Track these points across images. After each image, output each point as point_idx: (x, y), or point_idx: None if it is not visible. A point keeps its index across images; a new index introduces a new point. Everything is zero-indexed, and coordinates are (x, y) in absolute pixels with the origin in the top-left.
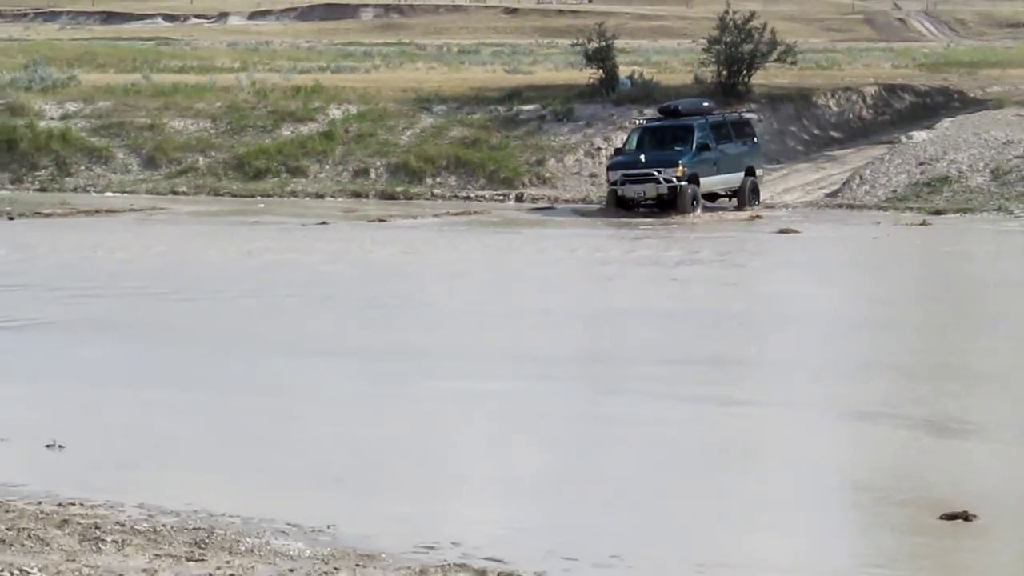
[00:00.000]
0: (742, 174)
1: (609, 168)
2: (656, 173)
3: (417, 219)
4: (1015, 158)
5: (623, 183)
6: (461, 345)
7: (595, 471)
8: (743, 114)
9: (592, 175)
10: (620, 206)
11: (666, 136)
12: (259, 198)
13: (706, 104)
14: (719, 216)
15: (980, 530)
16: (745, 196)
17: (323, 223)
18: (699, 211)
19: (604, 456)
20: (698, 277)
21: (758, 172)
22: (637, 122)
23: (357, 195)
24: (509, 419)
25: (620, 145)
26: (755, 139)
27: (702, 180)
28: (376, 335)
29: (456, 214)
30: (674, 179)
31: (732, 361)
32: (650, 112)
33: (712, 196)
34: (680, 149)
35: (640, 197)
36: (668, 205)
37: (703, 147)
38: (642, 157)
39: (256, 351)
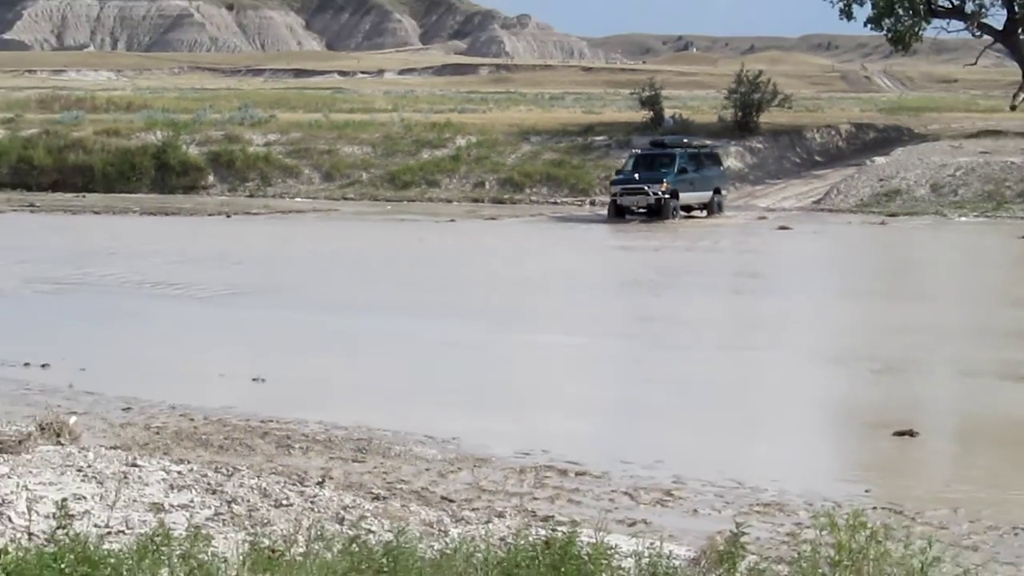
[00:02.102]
0: (711, 192)
1: (611, 183)
2: (647, 188)
3: (519, 217)
4: (947, 176)
5: (621, 195)
6: (549, 308)
7: (645, 401)
8: (713, 148)
9: None
10: (618, 213)
11: (655, 161)
12: (406, 203)
13: (685, 139)
14: (738, 217)
15: (921, 443)
16: (713, 208)
17: (451, 220)
18: (677, 218)
19: (651, 390)
20: (724, 258)
21: (723, 192)
22: (633, 151)
23: (475, 201)
24: (579, 361)
25: (620, 167)
26: (722, 167)
27: (681, 195)
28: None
29: (550, 214)
30: (660, 193)
31: (741, 317)
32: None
33: (688, 208)
34: (665, 171)
35: (634, 206)
36: (655, 213)
37: (683, 170)
38: (636, 176)
39: (400, 312)
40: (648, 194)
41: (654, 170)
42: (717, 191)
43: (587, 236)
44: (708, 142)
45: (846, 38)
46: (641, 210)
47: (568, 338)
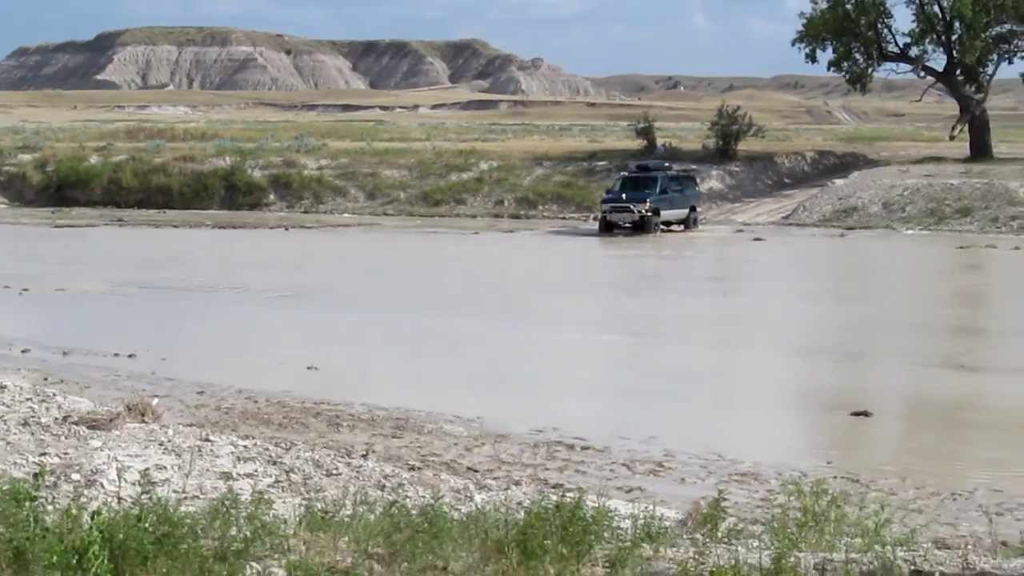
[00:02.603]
0: (688, 210)
1: (601, 202)
2: (632, 206)
3: (533, 231)
4: (896, 196)
5: (610, 212)
6: (555, 308)
7: (640, 387)
8: (691, 171)
9: None
10: (607, 228)
11: (640, 183)
12: (437, 218)
13: (666, 164)
14: (718, 230)
15: (874, 422)
16: (690, 223)
17: (475, 233)
18: (658, 232)
19: (645, 378)
20: (706, 265)
21: (698, 209)
22: (621, 174)
23: (496, 216)
24: (583, 353)
25: (610, 187)
26: (697, 187)
27: (662, 212)
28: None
29: (557, 228)
30: (643, 211)
31: (720, 315)
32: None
33: (668, 223)
34: (648, 191)
35: (621, 222)
36: (639, 228)
37: (663, 191)
38: (623, 195)
39: (430, 310)
40: (633, 211)
41: (639, 191)
42: (693, 208)
43: (585, 247)
44: (694, 166)
45: (811, 78)
46: (627, 225)
47: (572, 333)
